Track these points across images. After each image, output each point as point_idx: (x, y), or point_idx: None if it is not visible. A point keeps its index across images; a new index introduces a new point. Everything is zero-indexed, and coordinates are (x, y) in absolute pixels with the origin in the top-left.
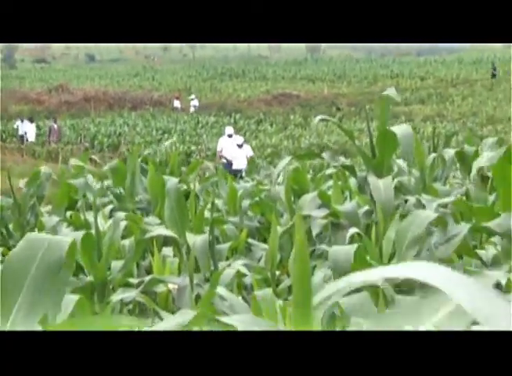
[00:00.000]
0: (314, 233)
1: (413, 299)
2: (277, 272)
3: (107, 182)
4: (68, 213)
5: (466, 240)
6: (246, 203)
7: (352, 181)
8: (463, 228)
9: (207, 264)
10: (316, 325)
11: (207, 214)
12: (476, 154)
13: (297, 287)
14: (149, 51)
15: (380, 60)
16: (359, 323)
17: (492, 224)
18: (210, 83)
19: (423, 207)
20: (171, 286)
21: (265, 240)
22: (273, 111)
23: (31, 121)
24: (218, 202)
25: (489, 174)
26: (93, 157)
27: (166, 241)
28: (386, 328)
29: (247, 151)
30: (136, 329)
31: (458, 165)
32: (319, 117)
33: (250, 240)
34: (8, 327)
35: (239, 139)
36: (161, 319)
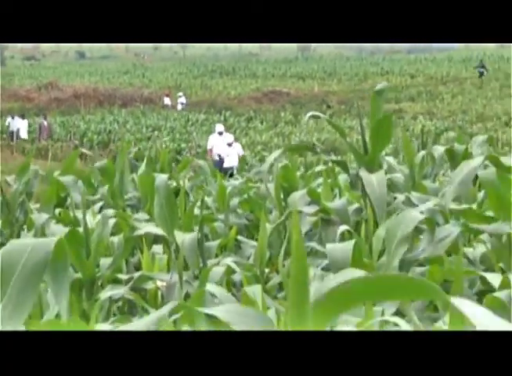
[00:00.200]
0: (304, 230)
1: None
2: (266, 270)
3: (97, 180)
4: (57, 210)
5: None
6: (235, 200)
7: (342, 178)
8: (454, 229)
9: (196, 261)
10: (311, 324)
11: (196, 211)
12: (466, 152)
13: (294, 287)
14: (140, 48)
15: (370, 58)
16: (348, 320)
17: (483, 227)
18: (200, 80)
19: (413, 204)
20: (159, 283)
21: (253, 238)
22: (263, 109)
23: (23, 117)
24: (208, 200)
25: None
26: (83, 150)
27: (156, 238)
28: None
29: (238, 149)
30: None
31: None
32: (309, 114)
33: (239, 238)
34: None
35: (230, 138)
36: None
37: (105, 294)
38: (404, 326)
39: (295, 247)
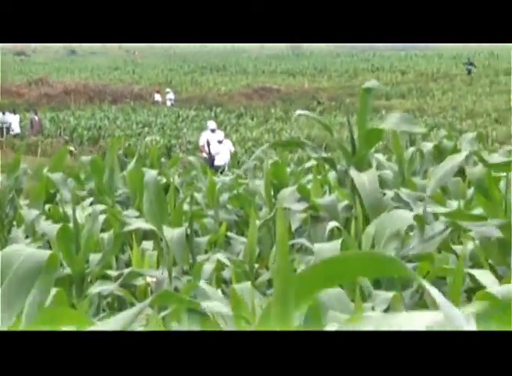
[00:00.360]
0: (293, 226)
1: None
2: (256, 266)
3: (87, 176)
4: (47, 206)
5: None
6: (225, 196)
7: (332, 175)
8: (444, 227)
9: (185, 257)
10: (296, 322)
11: (186, 207)
12: (454, 148)
13: (278, 284)
14: (130, 45)
15: (360, 54)
16: (337, 317)
17: (473, 226)
18: (190, 77)
19: (402, 201)
20: (149, 279)
21: (243, 234)
22: (254, 105)
23: (14, 113)
24: (198, 196)
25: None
26: (71, 148)
27: (146, 235)
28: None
29: (229, 146)
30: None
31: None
32: (298, 112)
33: (229, 234)
34: None
35: (220, 135)
36: None
37: (94, 289)
38: None
39: (280, 245)
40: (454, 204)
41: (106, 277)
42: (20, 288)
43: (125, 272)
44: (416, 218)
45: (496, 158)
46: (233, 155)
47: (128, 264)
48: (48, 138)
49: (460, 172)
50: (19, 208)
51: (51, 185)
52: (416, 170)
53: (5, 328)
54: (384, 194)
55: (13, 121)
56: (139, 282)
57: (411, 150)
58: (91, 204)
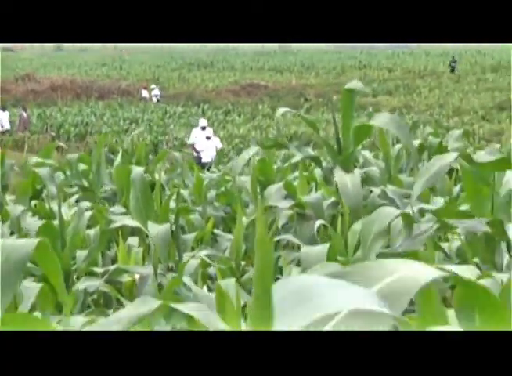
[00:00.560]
0: (280, 223)
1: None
2: (242, 263)
3: (73, 172)
4: (33, 202)
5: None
6: (212, 193)
7: (318, 171)
8: (430, 225)
9: (171, 254)
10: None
11: (172, 204)
12: (440, 146)
13: (257, 284)
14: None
15: (347, 51)
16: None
17: (459, 223)
18: (178, 73)
19: (389, 198)
20: (136, 276)
21: (230, 231)
22: (241, 101)
23: (3, 109)
24: (184, 192)
25: (454, 165)
26: (60, 144)
27: (133, 231)
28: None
29: (216, 143)
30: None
31: (426, 156)
32: (281, 110)
33: (215, 231)
34: None
35: (210, 132)
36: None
37: (80, 286)
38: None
39: (259, 245)
40: (440, 201)
41: (92, 274)
42: (10, 278)
43: (111, 268)
44: (404, 216)
45: (484, 157)
46: (220, 152)
47: (115, 260)
48: (34, 134)
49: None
50: (5, 204)
51: (37, 181)
52: (402, 167)
53: None
54: (371, 191)
55: (3, 117)
56: (125, 278)
57: (397, 147)
58: (77, 201)
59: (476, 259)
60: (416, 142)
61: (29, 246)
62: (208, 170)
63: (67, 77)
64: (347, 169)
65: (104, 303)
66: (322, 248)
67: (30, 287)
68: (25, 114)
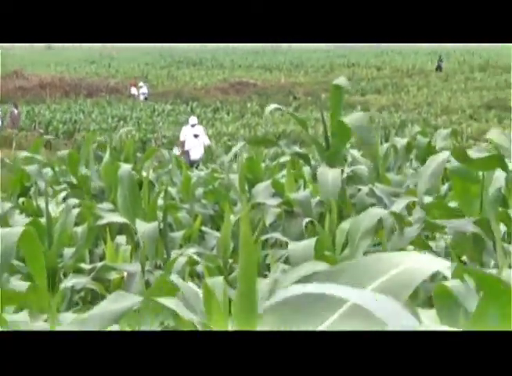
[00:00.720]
0: (268, 221)
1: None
2: (230, 261)
3: (61, 169)
4: (21, 200)
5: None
6: (200, 191)
7: (306, 169)
8: (418, 224)
9: (159, 251)
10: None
11: (160, 202)
12: (429, 145)
13: (242, 278)
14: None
15: (336, 50)
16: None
17: (447, 222)
18: (167, 71)
19: (376, 196)
20: (125, 273)
21: (218, 229)
22: (230, 99)
23: None
24: (172, 190)
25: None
26: (48, 137)
27: (120, 229)
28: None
29: (204, 140)
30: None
31: (414, 154)
32: (270, 107)
33: (203, 229)
34: None
35: (200, 130)
36: None
37: (67, 283)
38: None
39: (244, 245)
40: (429, 199)
41: (79, 271)
42: None
43: (98, 265)
44: (395, 215)
45: (474, 154)
46: (208, 149)
47: (102, 258)
48: (22, 131)
49: None
50: None
51: (26, 178)
52: (390, 166)
53: None
54: (359, 190)
55: None
56: (113, 276)
57: (385, 145)
58: (64, 198)
59: (464, 258)
60: (404, 141)
61: (14, 234)
62: (197, 168)
63: (56, 75)
64: (334, 166)
65: (91, 300)
66: (309, 243)
67: (18, 285)
68: (16, 111)
